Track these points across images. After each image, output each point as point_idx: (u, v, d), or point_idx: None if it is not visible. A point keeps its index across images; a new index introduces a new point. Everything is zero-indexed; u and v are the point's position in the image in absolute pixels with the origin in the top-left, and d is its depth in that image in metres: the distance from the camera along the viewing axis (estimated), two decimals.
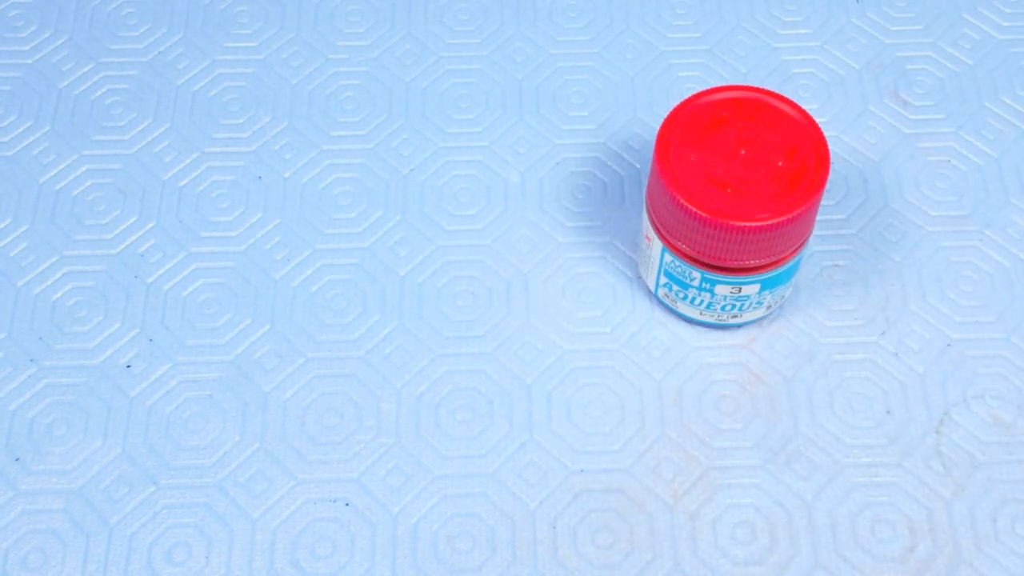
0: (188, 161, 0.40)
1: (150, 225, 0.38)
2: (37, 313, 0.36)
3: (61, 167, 0.40)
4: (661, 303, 0.36)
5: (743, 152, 0.32)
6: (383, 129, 0.40)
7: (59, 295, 0.37)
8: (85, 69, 0.42)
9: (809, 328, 0.36)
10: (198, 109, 0.41)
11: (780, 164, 0.32)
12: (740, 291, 0.33)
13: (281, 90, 0.41)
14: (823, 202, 0.39)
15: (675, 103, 0.41)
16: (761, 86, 0.41)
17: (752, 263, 0.32)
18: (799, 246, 0.33)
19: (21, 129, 0.40)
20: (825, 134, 0.40)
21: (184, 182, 0.39)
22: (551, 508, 0.33)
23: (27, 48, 0.42)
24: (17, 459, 0.34)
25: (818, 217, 0.38)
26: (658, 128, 0.32)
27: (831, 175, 0.39)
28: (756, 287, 0.33)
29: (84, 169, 0.40)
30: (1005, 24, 0.43)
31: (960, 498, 0.33)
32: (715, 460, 0.34)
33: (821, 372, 0.35)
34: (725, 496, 0.33)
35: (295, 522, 0.33)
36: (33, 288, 0.37)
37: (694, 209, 0.31)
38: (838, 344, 0.36)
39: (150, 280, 0.37)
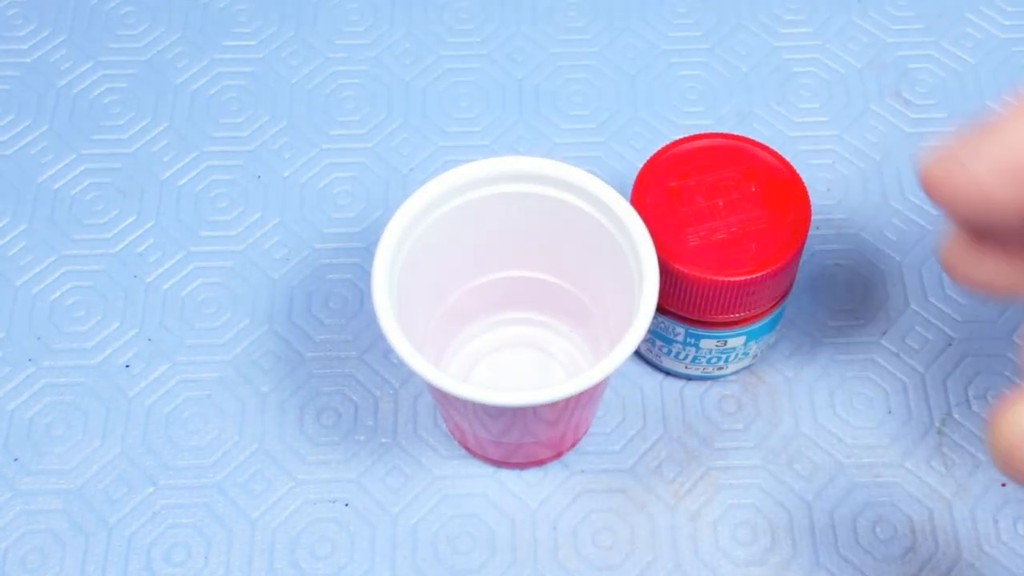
0: (187, 160, 0.40)
1: (149, 224, 0.38)
2: (35, 313, 0.36)
3: (59, 166, 0.39)
4: (643, 358, 0.35)
5: (721, 203, 0.31)
6: (383, 128, 0.40)
7: (57, 295, 0.37)
8: (84, 68, 0.42)
9: (810, 328, 0.36)
10: (197, 108, 0.41)
11: (760, 215, 0.30)
12: (726, 344, 0.32)
13: (280, 89, 0.41)
14: (824, 202, 0.38)
15: (675, 102, 0.41)
16: (762, 89, 0.41)
17: (737, 316, 0.31)
18: (783, 295, 0.32)
19: (19, 128, 0.40)
20: (826, 133, 0.40)
21: (183, 181, 0.39)
22: (552, 509, 0.33)
23: (26, 47, 0.42)
24: (16, 459, 0.34)
25: (819, 217, 0.38)
26: (632, 181, 0.31)
27: (833, 175, 0.39)
28: (742, 339, 0.32)
29: (82, 168, 0.39)
30: (1007, 23, 0.43)
31: (962, 498, 0.33)
32: (716, 460, 0.34)
33: (823, 372, 0.35)
34: (726, 496, 0.33)
35: (294, 523, 0.33)
36: (31, 288, 0.37)
37: (675, 266, 0.30)
38: (839, 344, 0.36)
39: (149, 280, 0.37)
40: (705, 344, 0.32)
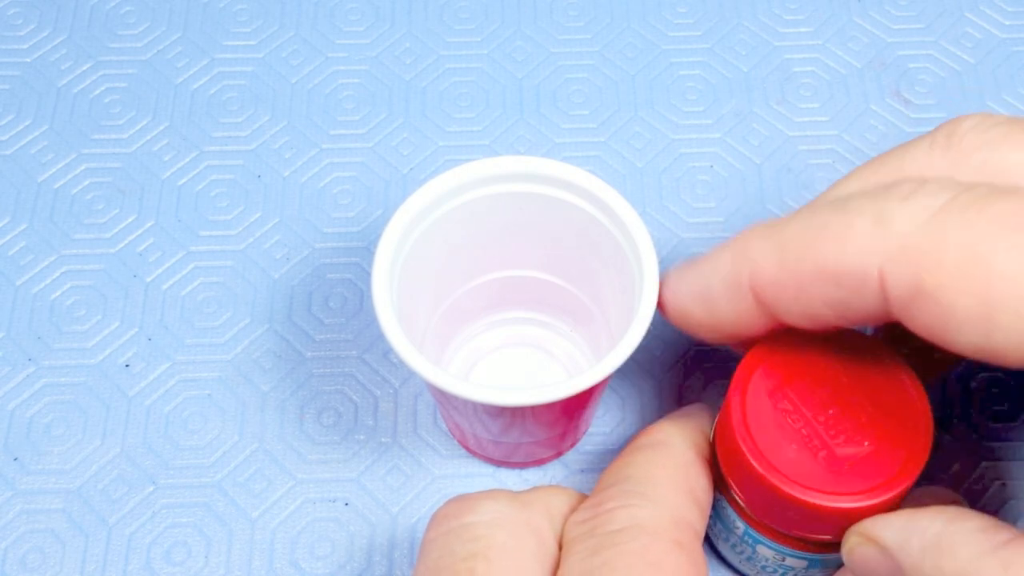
0: (187, 160, 0.40)
1: (149, 224, 0.38)
2: (35, 312, 0.36)
3: (60, 166, 0.39)
4: (707, 539, 0.31)
5: (831, 412, 0.26)
6: (383, 128, 0.40)
7: (58, 294, 0.37)
8: (84, 68, 0.42)
9: None
10: (197, 108, 0.41)
11: (867, 442, 0.25)
12: (784, 560, 0.28)
13: (280, 89, 0.41)
14: None
15: (675, 102, 0.41)
16: (762, 89, 0.41)
17: (803, 535, 0.27)
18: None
19: (20, 128, 0.40)
20: (826, 133, 0.40)
21: (183, 181, 0.39)
22: None
23: (26, 47, 0.42)
24: (15, 459, 0.34)
25: None
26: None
27: (833, 175, 0.39)
28: (803, 563, 0.28)
29: (83, 168, 0.39)
30: (1007, 23, 0.43)
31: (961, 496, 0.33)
32: None
33: None
34: None
35: (294, 522, 0.33)
36: (32, 287, 0.37)
37: (762, 473, 0.25)
38: None
39: (149, 279, 0.37)
40: (762, 551, 0.28)
